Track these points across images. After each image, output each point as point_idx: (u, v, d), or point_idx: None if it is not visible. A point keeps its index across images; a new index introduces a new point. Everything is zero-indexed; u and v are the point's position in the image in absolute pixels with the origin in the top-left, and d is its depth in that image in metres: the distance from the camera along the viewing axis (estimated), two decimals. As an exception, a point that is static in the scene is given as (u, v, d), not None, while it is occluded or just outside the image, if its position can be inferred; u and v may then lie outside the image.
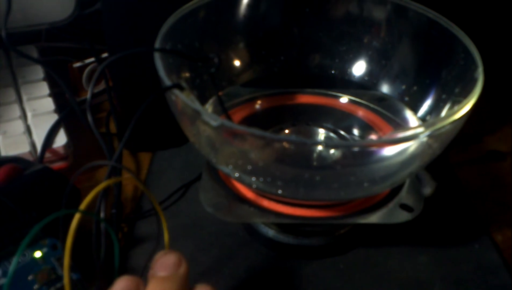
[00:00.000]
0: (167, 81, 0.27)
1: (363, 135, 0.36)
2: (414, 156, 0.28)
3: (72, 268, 0.29)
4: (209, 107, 0.34)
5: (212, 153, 0.28)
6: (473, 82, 0.28)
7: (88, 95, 0.30)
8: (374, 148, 0.27)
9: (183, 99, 0.26)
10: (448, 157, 0.42)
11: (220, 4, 0.33)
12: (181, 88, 0.26)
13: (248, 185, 0.29)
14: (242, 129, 0.24)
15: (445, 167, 0.41)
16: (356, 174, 0.27)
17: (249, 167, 0.27)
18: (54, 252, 0.29)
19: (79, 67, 0.46)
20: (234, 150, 0.27)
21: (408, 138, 0.26)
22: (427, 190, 0.34)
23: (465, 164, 0.42)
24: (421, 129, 0.25)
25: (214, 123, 0.25)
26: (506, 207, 0.39)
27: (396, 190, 0.32)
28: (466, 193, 0.39)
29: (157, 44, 0.29)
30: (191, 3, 0.32)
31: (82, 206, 0.22)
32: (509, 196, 0.39)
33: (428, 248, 0.34)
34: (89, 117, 0.31)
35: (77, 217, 0.21)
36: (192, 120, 0.27)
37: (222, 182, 0.32)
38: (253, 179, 0.27)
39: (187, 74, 0.32)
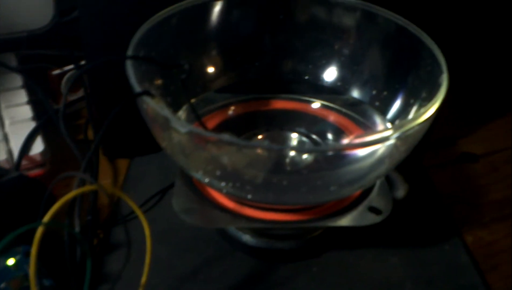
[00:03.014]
0: (137, 88, 0.27)
1: (335, 139, 0.36)
2: (381, 159, 0.29)
3: (45, 275, 0.30)
4: (183, 113, 0.34)
5: (183, 159, 0.29)
6: (438, 87, 0.29)
7: (61, 105, 0.30)
8: (343, 152, 0.28)
9: (153, 105, 0.26)
10: (422, 160, 0.43)
11: (193, 12, 0.34)
12: (151, 95, 0.27)
13: (219, 190, 0.30)
14: (210, 136, 0.25)
15: (418, 169, 0.41)
16: (324, 178, 0.28)
17: (218, 173, 0.27)
18: (28, 259, 0.30)
19: (58, 74, 0.46)
20: (204, 156, 0.27)
21: (372, 142, 0.27)
22: (400, 193, 0.35)
23: (439, 166, 0.43)
24: (386, 134, 0.26)
25: (182, 129, 0.25)
26: (478, 208, 0.39)
27: (366, 193, 0.33)
28: (439, 195, 0.39)
29: (129, 52, 0.30)
30: (164, 11, 0.32)
31: (46, 218, 0.22)
32: (481, 197, 0.40)
33: (400, 249, 0.35)
34: (62, 127, 0.31)
35: (40, 230, 0.21)
36: (162, 127, 0.27)
37: (195, 188, 0.32)
38: (223, 184, 0.28)
39: (160, 81, 0.32)
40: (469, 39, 0.51)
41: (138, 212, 0.26)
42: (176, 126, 0.25)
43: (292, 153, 0.32)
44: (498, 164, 0.44)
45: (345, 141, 0.35)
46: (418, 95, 0.32)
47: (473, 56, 0.53)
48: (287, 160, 0.32)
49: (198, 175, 0.28)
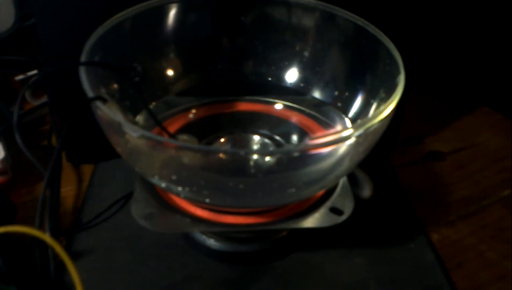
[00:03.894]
0: (90, 93, 0.27)
1: (299, 140, 0.36)
2: (341, 159, 0.29)
3: (6, 282, 0.29)
4: (141, 117, 0.34)
5: (138, 164, 0.28)
6: (395, 86, 0.29)
7: (15, 116, 0.30)
8: (302, 153, 0.28)
9: (105, 110, 0.26)
10: (388, 158, 0.43)
11: (149, 15, 0.33)
12: (104, 100, 0.26)
13: (177, 195, 0.29)
14: (162, 140, 0.25)
15: (385, 168, 0.42)
16: (281, 180, 0.28)
17: (174, 177, 0.27)
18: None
19: (21, 80, 0.46)
20: (158, 160, 0.27)
21: (330, 142, 0.26)
22: (366, 192, 0.35)
23: (406, 165, 0.43)
24: (345, 133, 0.26)
25: (134, 134, 0.25)
26: (444, 206, 0.40)
27: (328, 194, 0.32)
28: (405, 193, 0.40)
29: (83, 57, 0.29)
30: (119, 14, 0.32)
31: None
32: (447, 196, 0.41)
33: (365, 249, 0.35)
34: (17, 137, 0.30)
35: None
36: (116, 132, 0.27)
37: (155, 192, 0.32)
38: (180, 189, 0.27)
39: (116, 85, 0.32)
40: (435, 39, 0.52)
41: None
42: (128, 130, 0.25)
43: (255, 156, 0.32)
44: (464, 162, 0.44)
45: (306, 142, 0.35)
46: (377, 95, 0.32)
47: (438, 56, 0.54)
48: (251, 163, 0.32)
49: (154, 180, 0.28)
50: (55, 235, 0.34)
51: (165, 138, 0.24)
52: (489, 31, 0.51)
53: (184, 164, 0.26)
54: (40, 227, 0.31)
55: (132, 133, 0.25)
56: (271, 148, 0.35)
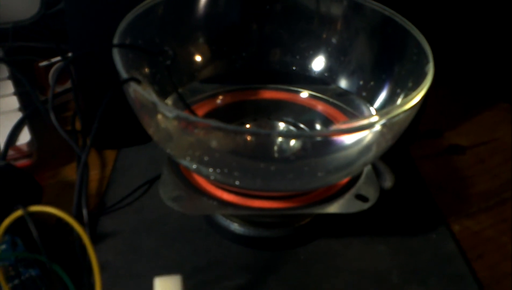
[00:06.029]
0: (124, 75, 0.27)
1: (322, 128, 0.36)
2: (368, 146, 0.29)
3: (31, 265, 0.29)
4: (169, 102, 0.34)
5: (170, 146, 0.29)
6: (424, 76, 0.29)
7: (50, 95, 0.30)
8: (329, 138, 0.28)
9: (140, 91, 0.26)
10: (409, 151, 0.43)
11: (179, 0, 0.34)
12: (138, 81, 0.27)
13: (207, 177, 0.30)
14: (197, 121, 0.25)
15: (405, 160, 0.42)
16: (312, 164, 0.28)
17: (206, 159, 0.27)
18: (14, 249, 0.29)
19: (45, 66, 0.46)
20: (191, 141, 0.27)
21: (358, 128, 0.27)
22: (388, 183, 0.35)
23: (426, 158, 0.44)
24: (372, 119, 0.26)
25: (169, 114, 0.25)
26: (465, 198, 0.40)
27: (353, 181, 0.33)
28: (426, 185, 0.40)
29: (115, 40, 0.29)
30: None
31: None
32: (467, 188, 0.41)
33: (387, 238, 0.35)
34: (52, 116, 0.31)
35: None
36: (149, 113, 0.27)
37: (182, 176, 0.32)
38: (211, 170, 0.28)
39: (147, 70, 0.32)
40: (457, 33, 0.52)
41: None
42: (163, 111, 0.25)
43: (280, 140, 0.32)
44: (484, 156, 0.44)
45: (332, 128, 0.35)
46: (404, 84, 0.32)
47: (459, 49, 0.54)
48: (275, 147, 0.32)
49: (185, 161, 0.28)
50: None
51: (200, 119, 0.24)
52: (510, 27, 0.50)
53: (216, 146, 0.27)
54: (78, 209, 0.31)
55: (167, 113, 0.25)
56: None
